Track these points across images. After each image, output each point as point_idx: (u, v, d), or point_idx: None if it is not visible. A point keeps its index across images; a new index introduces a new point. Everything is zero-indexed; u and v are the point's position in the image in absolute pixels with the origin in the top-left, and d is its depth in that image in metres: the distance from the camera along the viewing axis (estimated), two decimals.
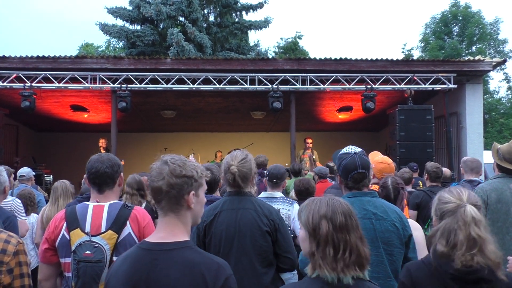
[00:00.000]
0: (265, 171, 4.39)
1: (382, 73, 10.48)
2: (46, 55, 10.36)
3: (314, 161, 11.94)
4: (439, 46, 30.68)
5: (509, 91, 33.29)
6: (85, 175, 2.84)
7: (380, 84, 10.48)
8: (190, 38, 19.13)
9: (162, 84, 10.36)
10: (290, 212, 4.20)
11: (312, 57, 11.16)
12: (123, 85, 10.22)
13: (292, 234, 3.74)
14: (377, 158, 4.71)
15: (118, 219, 2.65)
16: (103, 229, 2.61)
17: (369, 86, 10.38)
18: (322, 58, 10.69)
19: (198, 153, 14.47)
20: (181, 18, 20.75)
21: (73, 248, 2.53)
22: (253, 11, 21.96)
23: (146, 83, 10.36)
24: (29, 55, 10.35)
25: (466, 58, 11.95)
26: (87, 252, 2.51)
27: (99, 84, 10.29)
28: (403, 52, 34.69)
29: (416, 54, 33.82)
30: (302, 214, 1.90)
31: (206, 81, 10.44)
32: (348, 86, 10.50)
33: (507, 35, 53.25)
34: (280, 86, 10.37)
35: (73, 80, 10.25)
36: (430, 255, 2.08)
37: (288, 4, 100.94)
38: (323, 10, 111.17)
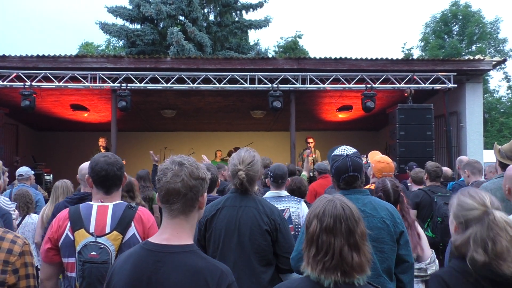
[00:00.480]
0: (268, 172, 4.34)
1: (382, 73, 10.47)
2: (46, 54, 10.35)
3: (316, 160, 11.94)
4: (439, 45, 30.71)
5: (509, 90, 33.32)
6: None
7: (380, 83, 10.48)
8: (190, 37, 19.13)
9: (162, 83, 10.35)
10: (299, 210, 4.18)
11: (312, 56, 11.14)
12: (123, 84, 10.21)
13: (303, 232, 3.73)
14: (376, 158, 4.72)
15: (123, 220, 2.64)
16: (107, 230, 2.60)
17: (369, 86, 10.37)
18: (322, 57, 10.68)
19: (196, 153, 14.45)
20: (181, 17, 20.75)
21: (78, 248, 2.52)
22: (253, 10, 21.96)
23: (146, 82, 10.36)
24: (29, 54, 10.35)
25: (466, 57, 11.95)
26: (93, 253, 2.51)
27: (99, 83, 10.28)
28: (403, 51, 34.74)
29: (416, 54, 33.88)
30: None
31: (206, 81, 10.43)
32: (348, 85, 10.49)
33: (507, 34, 53.30)
34: (280, 85, 10.37)
35: (73, 79, 10.24)
36: (457, 262, 2.02)
37: (288, 3, 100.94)
38: (323, 9, 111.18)
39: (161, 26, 20.95)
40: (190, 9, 19.91)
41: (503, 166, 3.76)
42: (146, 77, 10.33)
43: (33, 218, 5.48)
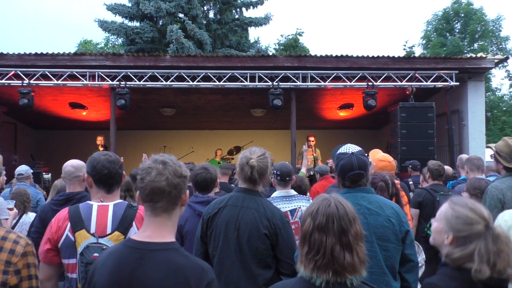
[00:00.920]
0: (274, 171, 4.31)
1: (384, 70, 10.46)
2: (44, 52, 10.35)
3: (316, 159, 11.94)
4: (441, 43, 30.67)
5: (511, 89, 33.28)
6: (84, 174, 2.81)
7: (381, 81, 10.47)
8: (190, 35, 19.13)
9: (162, 81, 10.34)
10: None
11: (312, 54, 11.14)
12: (122, 82, 10.20)
13: None
14: (378, 156, 4.72)
15: (124, 220, 2.64)
16: (109, 230, 2.60)
17: (370, 84, 10.36)
18: (323, 55, 10.68)
19: (196, 152, 14.46)
20: (181, 15, 20.75)
21: (79, 250, 2.51)
22: (253, 7, 21.96)
23: (145, 80, 10.35)
24: (28, 52, 10.34)
25: (468, 55, 11.96)
26: (95, 254, 2.50)
27: (98, 81, 10.27)
28: (404, 49, 34.67)
29: (418, 51, 33.84)
30: None
31: (206, 78, 10.43)
32: (349, 83, 10.48)
33: (510, 32, 53.24)
34: (280, 83, 10.36)
35: (72, 77, 10.23)
36: (450, 270, 2.03)
37: (288, 1, 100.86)
38: (324, 6, 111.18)
39: (160, 23, 20.94)
40: (189, 6, 19.90)
41: (509, 170, 3.75)
42: (146, 75, 10.32)
43: (30, 217, 5.47)
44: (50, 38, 78.43)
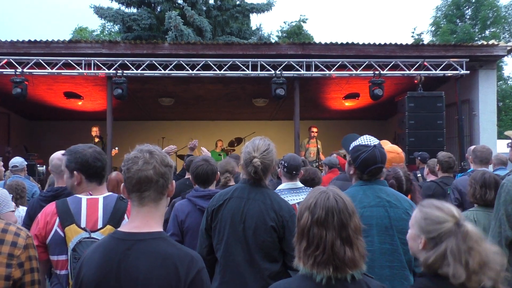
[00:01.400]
0: (282, 162, 4.29)
1: (391, 59, 10.42)
2: (38, 40, 10.32)
3: (319, 151, 11.95)
4: (451, 30, 30.53)
5: None
6: (75, 172, 2.72)
7: (388, 70, 10.43)
8: (189, 21, 19.06)
9: (160, 70, 10.33)
10: None
11: (317, 41, 11.09)
12: (119, 71, 10.19)
13: None
14: (386, 147, 4.67)
15: (116, 213, 2.65)
16: (100, 224, 2.60)
17: (377, 72, 10.33)
18: (328, 42, 10.64)
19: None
20: (180, 1, 20.70)
21: (71, 245, 2.51)
22: None
23: (143, 69, 10.33)
24: (21, 40, 10.32)
25: (479, 43, 11.90)
26: None
27: (94, 70, 10.25)
28: (412, 36, 34.56)
29: (427, 39, 33.70)
30: None
31: (206, 67, 10.41)
32: (355, 72, 10.45)
33: None
34: (283, 72, 10.33)
35: (67, 65, 10.22)
36: (428, 280, 1.97)
37: None
38: None
39: (158, 10, 20.88)
40: None
41: None
42: (143, 64, 10.30)
43: (20, 211, 5.46)
44: (44, 24, 78.31)
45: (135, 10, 21.08)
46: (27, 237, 2.26)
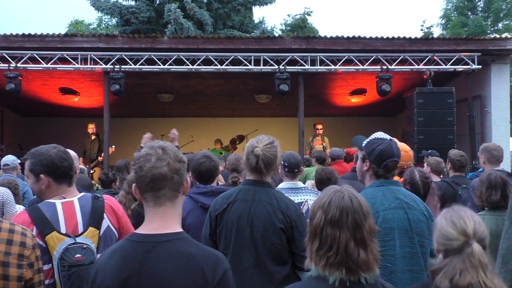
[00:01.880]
0: (281, 162, 4.31)
1: (399, 53, 10.41)
2: (32, 33, 10.34)
3: (325, 149, 11.94)
4: (462, 23, 30.43)
5: None
6: (41, 175, 2.66)
7: (396, 64, 10.42)
8: (189, 14, 19.03)
9: (159, 64, 10.33)
10: None
11: (322, 35, 11.09)
12: (116, 66, 10.20)
13: None
14: None
15: (95, 213, 2.63)
16: (81, 227, 2.57)
17: (384, 67, 10.32)
18: (333, 36, 10.63)
19: (196, 141, 14.47)
20: None
21: (56, 254, 2.47)
22: None
23: (142, 64, 10.34)
24: (14, 33, 10.34)
25: (492, 36, 11.86)
26: (77, 255, 2.47)
27: (90, 64, 10.27)
28: (422, 29, 34.51)
29: (437, 32, 33.69)
30: None
31: (207, 62, 10.40)
32: (361, 67, 10.44)
33: None
34: (287, 67, 10.33)
35: (62, 60, 10.23)
36: (429, 279, 2.05)
37: None
38: None
39: (157, 2, 20.85)
40: None
41: None
42: (142, 58, 10.31)
43: (17, 210, 5.50)
44: (39, 17, 78.40)
45: (133, 3, 21.06)
46: (33, 236, 2.27)
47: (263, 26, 24.80)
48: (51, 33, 10.43)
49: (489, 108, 10.91)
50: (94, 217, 2.61)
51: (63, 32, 11.68)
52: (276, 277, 2.84)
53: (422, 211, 2.70)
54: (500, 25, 30.80)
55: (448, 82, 11.85)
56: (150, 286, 1.75)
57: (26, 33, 10.33)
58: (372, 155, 2.79)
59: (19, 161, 7.07)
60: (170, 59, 10.32)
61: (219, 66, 10.37)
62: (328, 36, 10.72)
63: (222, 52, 10.38)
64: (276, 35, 17.36)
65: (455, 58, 10.39)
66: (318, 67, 10.44)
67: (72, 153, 3.67)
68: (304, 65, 10.47)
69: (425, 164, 6.30)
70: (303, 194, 4.16)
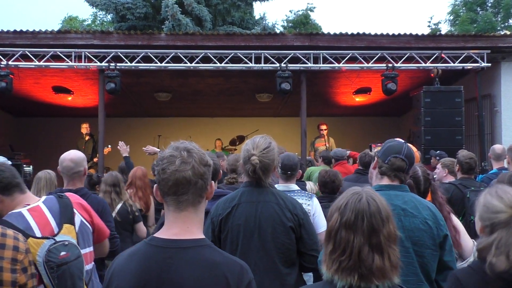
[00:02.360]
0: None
1: (405, 50, 10.41)
2: (24, 30, 10.35)
3: (330, 150, 11.93)
4: (471, 19, 30.42)
5: None
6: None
7: (402, 62, 10.42)
8: (187, 10, 19.05)
9: (156, 62, 10.33)
10: (310, 207, 4.19)
11: (325, 32, 11.12)
12: (111, 64, 10.19)
13: None
14: None
15: (65, 211, 2.68)
16: (56, 227, 2.60)
17: (390, 65, 10.32)
18: (337, 33, 10.65)
19: (194, 142, 14.47)
20: None
21: (39, 259, 2.48)
22: None
23: (138, 62, 10.34)
24: (5, 30, 10.34)
25: (502, 33, 11.87)
26: (62, 253, 2.50)
27: (85, 62, 10.26)
28: (429, 26, 34.43)
29: (444, 29, 33.59)
30: None
31: (206, 59, 10.41)
32: (366, 65, 10.45)
33: None
34: (289, 65, 10.33)
35: (55, 58, 10.24)
36: (477, 262, 2.09)
37: None
38: None
39: None
40: None
41: None
42: (138, 56, 10.31)
43: None
44: (31, 14, 78.46)
45: None
46: (24, 240, 2.30)
47: (264, 22, 24.79)
48: (43, 30, 10.44)
49: (499, 107, 10.91)
50: (65, 215, 2.65)
51: (56, 29, 11.69)
52: (288, 279, 2.88)
53: (424, 219, 2.65)
54: (511, 21, 30.79)
55: (457, 80, 11.85)
56: None
57: (18, 29, 10.33)
58: (381, 150, 2.86)
59: (10, 163, 7.06)
60: (168, 56, 10.32)
61: (219, 64, 10.37)
62: (332, 32, 10.73)
63: (221, 50, 10.38)
64: (278, 31, 17.41)
65: (464, 55, 10.38)
66: (321, 65, 10.44)
67: (79, 154, 3.75)
68: (306, 63, 10.47)
69: (438, 166, 6.27)
70: (297, 197, 4.17)
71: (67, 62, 10.23)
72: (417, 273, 2.59)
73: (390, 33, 10.57)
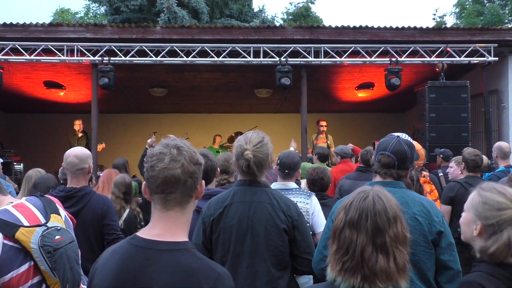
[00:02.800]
0: (277, 158, 4.35)
1: (409, 44, 10.41)
2: (14, 23, 10.33)
3: (329, 147, 11.94)
4: (477, 11, 30.41)
5: None
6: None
7: (406, 56, 10.43)
8: (184, 2, 19.04)
9: (151, 56, 10.32)
10: (309, 205, 4.19)
11: (326, 25, 11.11)
12: (105, 58, 10.18)
13: (310, 231, 3.74)
14: None
15: (49, 204, 2.73)
16: (43, 219, 2.64)
17: (393, 59, 10.33)
18: (339, 26, 10.64)
19: (191, 138, 14.49)
20: None
21: (34, 245, 2.50)
22: None
23: (132, 56, 10.33)
24: None
25: (509, 26, 11.84)
26: (57, 237, 2.54)
27: (77, 56, 10.25)
28: (434, 19, 34.45)
29: (450, 22, 33.60)
30: None
31: (203, 54, 10.40)
32: (369, 59, 10.45)
33: None
34: (289, 59, 10.33)
35: (47, 52, 10.22)
36: (490, 267, 2.02)
37: None
38: None
39: None
40: None
41: None
42: (132, 50, 10.29)
43: None
44: (21, 5, 78.31)
45: None
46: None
47: (263, 15, 24.79)
48: (34, 22, 10.41)
49: (506, 103, 10.91)
50: (50, 207, 2.70)
51: (47, 21, 11.67)
52: (280, 283, 2.86)
53: (413, 215, 2.64)
54: None
55: (462, 75, 11.85)
56: None
57: (8, 22, 10.31)
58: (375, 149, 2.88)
59: (1, 161, 7.07)
60: (163, 50, 10.30)
61: (216, 58, 10.36)
62: (333, 25, 10.72)
63: (219, 43, 10.37)
64: (277, 24, 17.38)
65: (470, 49, 10.38)
66: (322, 59, 10.44)
67: (84, 150, 3.82)
68: (307, 57, 10.46)
69: (452, 164, 6.26)
70: (293, 196, 4.15)
71: (59, 56, 10.21)
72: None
73: (394, 26, 10.56)
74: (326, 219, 3.67)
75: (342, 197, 3.25)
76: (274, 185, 4.30)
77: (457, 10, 33.03)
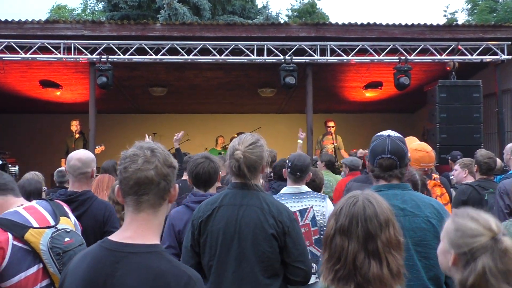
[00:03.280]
0: (287, 161, 4.36)
1: (419, 42, 10.42)
2: (9, 20, 10.34)
3: (338, 149, 11.93)
4: (490, 8, 30.34)
5: None
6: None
7: (416, 55, 10.43)
8: None
9: (151, 55, 10.34)
10: (325, 208, 4.19)
11: (333, 21, 11.09)
12: (103, 56, 10.20)
13: None
14: (413, 145, 4.68)
15: (58, 209, 2.79)
16: (52, 221, 2.69)
17: (403, 58, 10.32)
18: (346, 23, 10.64)
19: (192, 140, 14.51)
20: None
21: (43, 247, 2.55)
22: None
23: (131, 54, 10.35)
24: None
25: None
26: (66, 239, 2.59)
27: (74, 54, 10.28)
28: (445, 16, 34.39)
29: (461, 18, 33.55)
30: None
31: (204, 52, 10.41)
32: (377, 57, 10.45)
33: None
34: (294, 58, 10.33)
35: (43, 49, 10.25)
36: None
37: None
38: None
39: None
40: None
41: None
42: (131, 48, 10.32)
43: None
44: (16, 2, 78.49)
45: None
46: None
47: (267, 11, 24.82)
48: (30, 19, 10.43)
49: None
50: (59, 211, 2.76)
51: (43, 18, 11.70)
52: None
53: (426, 218, 2.64)
54: None
55: (474, 74, 11.85)
56: None
57: (2, 19, 10.33)
58: (369, 153, 2.86)
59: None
60: (163, 48, 10.32)
61: (218, 57, 10.38)
62: (340, 22, 10.71)
63: (221, 41, 10.38)
64: (282, 21, 17.34)
65: (482, 47, 10.38)
66: (329, 57, 10.44)
67: (88, 154, 3.82)
68: (312, 55, 10.46)
69: (457, 167, 6.25)
70: (307, 200, 4.15)
71: (56, 54, 10.24)
72: (420, 277, 2.57)
73: (403, 23, 10.55)
74: None
75: None
76: (286, 189, 4.31)
77: (469, 6, 32.95)
